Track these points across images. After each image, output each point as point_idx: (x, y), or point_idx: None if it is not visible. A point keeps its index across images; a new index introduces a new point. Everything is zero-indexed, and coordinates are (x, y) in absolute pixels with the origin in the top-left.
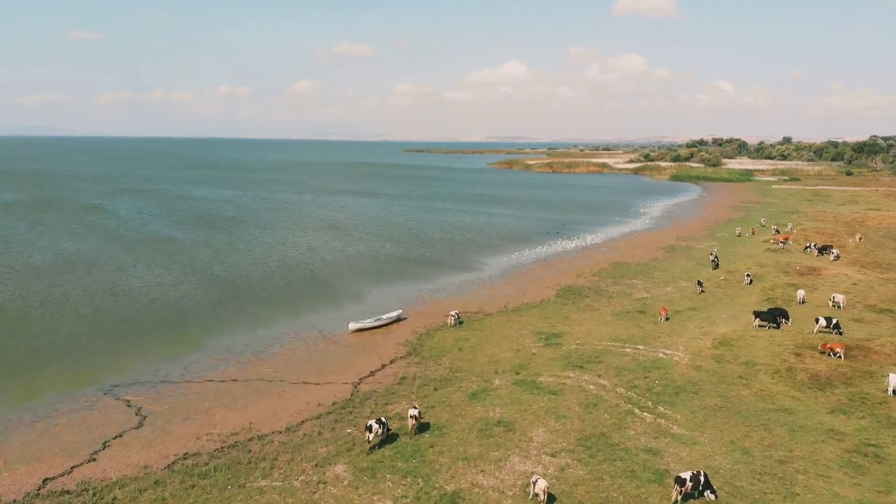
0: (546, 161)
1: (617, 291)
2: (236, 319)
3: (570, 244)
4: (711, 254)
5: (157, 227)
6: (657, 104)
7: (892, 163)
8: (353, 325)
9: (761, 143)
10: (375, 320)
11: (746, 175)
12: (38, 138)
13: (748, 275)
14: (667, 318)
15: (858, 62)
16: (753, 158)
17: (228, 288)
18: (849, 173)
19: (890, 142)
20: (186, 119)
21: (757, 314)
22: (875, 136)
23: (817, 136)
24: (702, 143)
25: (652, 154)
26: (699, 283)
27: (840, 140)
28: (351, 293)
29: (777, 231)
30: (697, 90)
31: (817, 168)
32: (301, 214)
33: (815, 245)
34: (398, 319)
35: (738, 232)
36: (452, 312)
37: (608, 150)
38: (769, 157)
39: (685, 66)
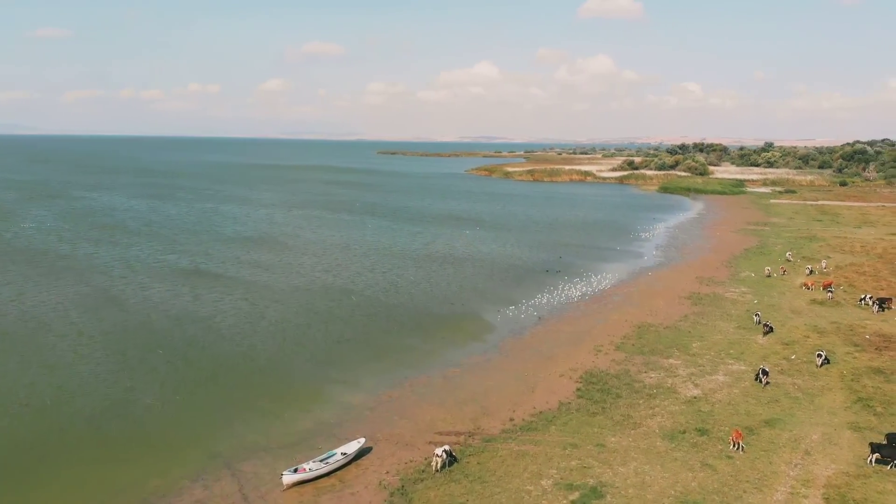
0: (527, 168)
1: (655, 384)
2: (122, 452)
3: (574, 289)
4: (756, 315)
5: (71, 261)
6: (627, 105)
7: (883, 171)
8: (289, 478)
9: (742, 148)
10: (324, 461)
11: (738, 186)
12: (4, 137)
13: (820, 354)
14: (741, 447)
15: (821, 64)
16: (739, 166)
17: (131, 375)
18: (843, 183)
19: (877, 147)
20: (157, 117)
21: (875, 448)
22: (859, 141)
23: (788, 138)
24: (683, 147)
25: (636, 161)
26: (763, 374)
27: (811, 141)
28: (295, 392)
29: (811, 271)
30: (665, 91)
31: (809, 178)
32: (248, 241)
33: (870, 297)
34: (358, 455)
35: (766, 272)
36: (439, 451)
37: (585, 153)
38: (755, 165)
39: (652, 67)
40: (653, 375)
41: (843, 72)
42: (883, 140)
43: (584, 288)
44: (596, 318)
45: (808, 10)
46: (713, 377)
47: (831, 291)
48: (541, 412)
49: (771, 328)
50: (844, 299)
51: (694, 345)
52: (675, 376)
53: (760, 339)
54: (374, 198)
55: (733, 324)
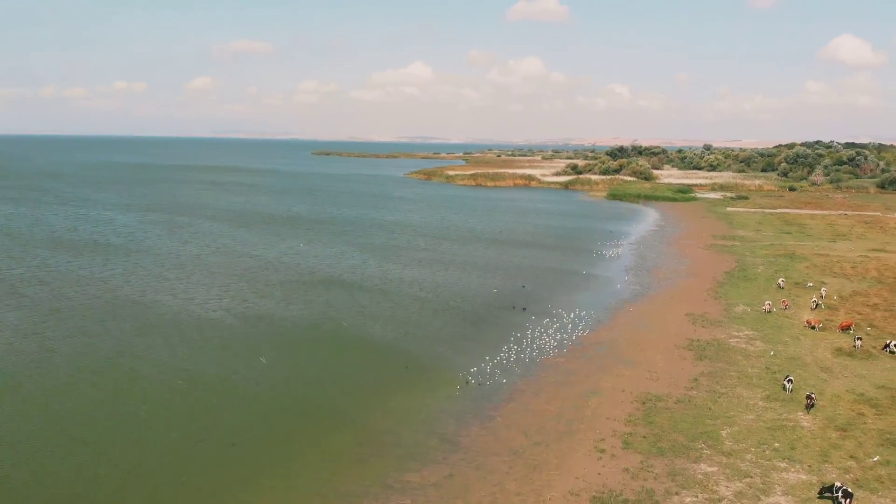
0: (468, 172)
1: None
2: None
3: (547, 337)
4: (788, 383)
5: None
6: (557, 106)
7: (829, 176)
8: None
9: (680, 150)
10: None
11: (687, 191)
12: None
13: None
14: None
15: (742, 67)
16: (681, 169)
17: None
18: (792, 188)
19: (818, 151)
20: (82, 116)
21: None
22: (794, 142)
23: (715, 139)
24: (622, 150)
25: (579, 165)
26: (845, 497)
27: (738, 142)
28: None
29: (817, 304)
30: (594, 93)
31: (757, 182)
32: (136, 265)
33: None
34: None
35: (766, 307)
36: None
37: (524, 155)
38: (698, 168)
39: (580, 69)
40: (688, 500)
41: (763, 74)
42: (816, 142)
43: (559, 333)
44: (584, 387)
45: (723, 13)
46: (771, 499)
47: (860, 338)
48: None
49: (813, 402)
50: (874, 346)
51: (723, 432)
52: (719, 499)
53: (803, 418)
54: (299, 206)
55: (758, 391)
